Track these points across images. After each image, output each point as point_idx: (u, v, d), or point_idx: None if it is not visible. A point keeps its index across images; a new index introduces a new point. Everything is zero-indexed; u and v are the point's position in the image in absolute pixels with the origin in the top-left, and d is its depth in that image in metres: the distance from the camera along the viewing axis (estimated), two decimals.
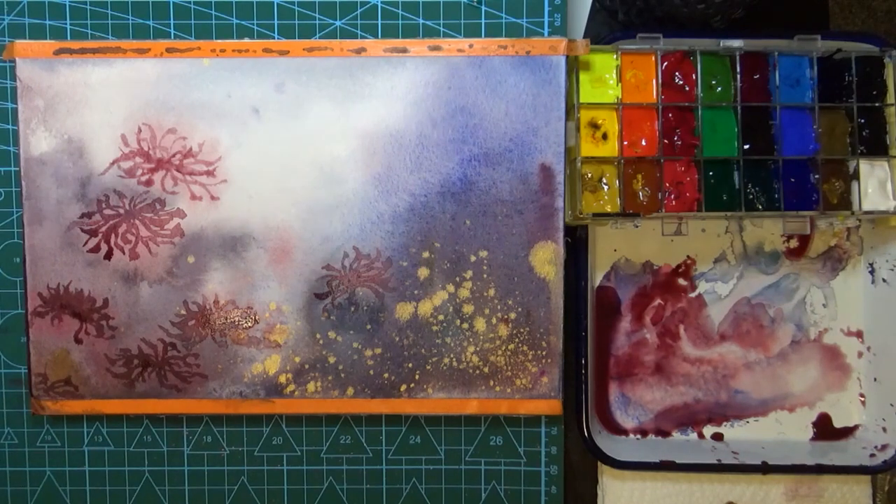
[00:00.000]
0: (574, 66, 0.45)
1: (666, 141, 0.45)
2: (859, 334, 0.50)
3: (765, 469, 0.46)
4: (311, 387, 0.45)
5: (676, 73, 0.45)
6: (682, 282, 0.50)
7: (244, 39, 0.46)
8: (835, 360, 0.50)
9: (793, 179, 0.45)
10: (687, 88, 0.45)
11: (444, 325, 0.45)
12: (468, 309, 0.45)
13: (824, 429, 0.49)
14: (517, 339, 0.45)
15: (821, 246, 0.50)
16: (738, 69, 0.45)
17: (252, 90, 0.44)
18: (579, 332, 0.46)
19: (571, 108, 0.45)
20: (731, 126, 0.45)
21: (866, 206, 0.45)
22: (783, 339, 0.50)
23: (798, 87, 0.45)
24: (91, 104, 0.44)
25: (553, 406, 0.46)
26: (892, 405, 0.47)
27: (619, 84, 0.45)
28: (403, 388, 0.46)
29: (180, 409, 0.46)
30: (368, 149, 0.45)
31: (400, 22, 0.47)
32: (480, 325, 0.45)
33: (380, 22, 0.47)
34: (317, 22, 0.47)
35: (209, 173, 0.45)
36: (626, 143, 0.45)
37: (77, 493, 0.48)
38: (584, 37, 0.47)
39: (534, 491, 0.48)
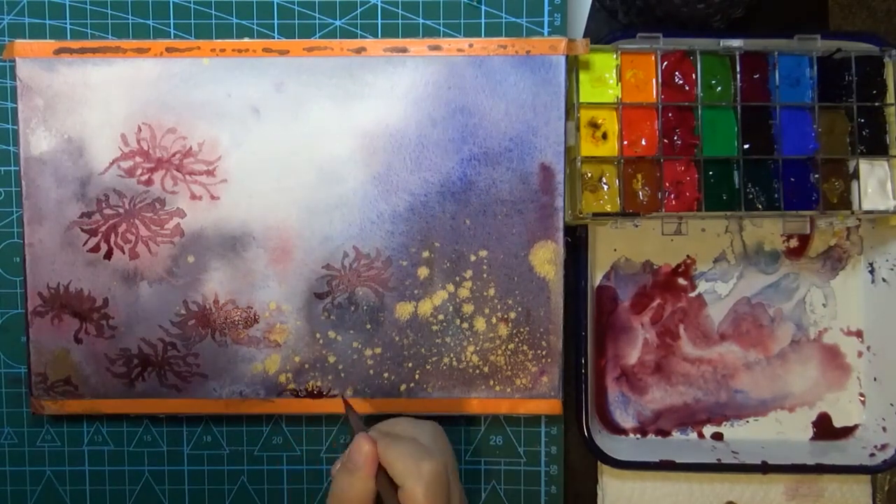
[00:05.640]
0: (574, 66, 0.45)
1: (666, 140, 0.45)
2: (859, 334, 0.49)
3: (765, 469, 0.46)
4: (310, 386, 0.45)
5: (676, 73, 0.45)
6: (681, 281, 0.50)
7: (244, 39, 0.46)
8: (834, 359, 0.50)
9: (793, 179, 0.45)
10: (687, 88, 0.45)
11: (444, 324, 0.45)
12: (468, 308, 0.45)
13: (824, 428, 0.49)
14: (517, 339, 0.45)
15: (821, 245, 0.50)
16: (738, 69, 0.45)
17: (252, 90, 0.44)
18: (579, 332, 0.46)
19: (571, 108, 0.45)
20: (731, 126, 0.45)
21: (866, 206, 0.45)
22: (783, 338, 0.50)
23: (798, 87, 0.45)
24: (91, 104, 0.44)
25: (553, 406, 0.46)
26: (892, 405, 0.47)
27: (619, 84, 0.45)
28: (403, 387, 0.46)
29: (180, 409, 0.46)
30: (368, 148, 0.45)
31: (400, 21, 0.47)
32: (480, 324, 0.45)
33: (380, 21, 0.47)
34: (317, 21, 0.47)
35: (209, 173, 0.45)
36: (625, 142, 0.45)
37: (77, 492, 0.48)
38: (584, 36, 0.47)
39: (534, 491, 0.48)
